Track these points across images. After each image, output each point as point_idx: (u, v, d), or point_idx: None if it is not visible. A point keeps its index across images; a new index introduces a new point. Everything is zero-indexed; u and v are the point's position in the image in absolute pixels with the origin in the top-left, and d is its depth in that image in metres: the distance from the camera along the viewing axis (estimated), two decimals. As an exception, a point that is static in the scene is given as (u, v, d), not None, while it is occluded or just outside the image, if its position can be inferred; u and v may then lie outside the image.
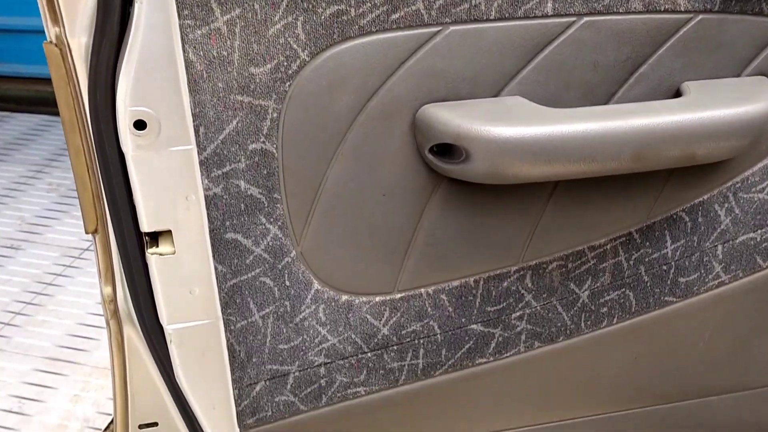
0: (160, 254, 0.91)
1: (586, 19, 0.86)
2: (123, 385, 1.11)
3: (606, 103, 0.91)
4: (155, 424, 1.16)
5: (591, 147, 0.85)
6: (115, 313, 1.06)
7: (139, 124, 0.83)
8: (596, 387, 1.11)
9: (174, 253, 0.91)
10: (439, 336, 1.01)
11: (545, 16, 0.86)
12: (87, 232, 1.04)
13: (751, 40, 0.92)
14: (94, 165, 0.91)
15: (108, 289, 1.04)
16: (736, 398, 1.18)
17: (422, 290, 0.98)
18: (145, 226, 0.90)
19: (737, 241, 1.05)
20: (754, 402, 1.19)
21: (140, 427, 1.15)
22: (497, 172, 0.86)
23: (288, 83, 0.83)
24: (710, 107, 0.88)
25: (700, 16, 0.89)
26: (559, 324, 1.05)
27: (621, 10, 0.87)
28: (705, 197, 1.01)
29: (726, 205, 1.02)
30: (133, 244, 0.94)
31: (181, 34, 0.78)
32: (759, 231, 1.05)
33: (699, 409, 1.18)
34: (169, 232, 0.90)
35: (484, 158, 0.85)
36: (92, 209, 0.97)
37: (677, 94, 0.92)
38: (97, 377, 2.04)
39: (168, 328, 0.96)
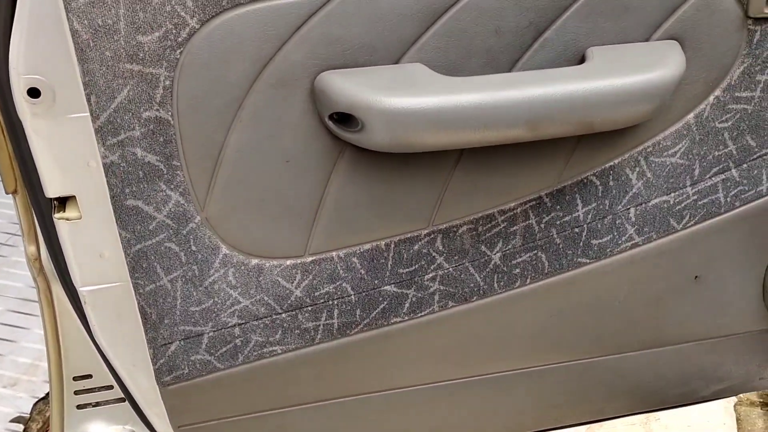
0: (67, 219, 0.93)
1: None
2: (55, 339, 1.14)
3: (509, 70, 0.91)
4: (89, 376, 1.20)
5: (486, 116, 0.85)
6: (41, 270, 1.08)
7: (33, 92, 0.84)
8: (513, 344, 1.14)
9: (80, 218, 0.92)
10: (352, 297, 1.04)
11: None
12: (7, 193, 1.06)
13: (659, 3, 0.91)
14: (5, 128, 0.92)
15: (32, 248, 1.06)
16: (652, 354, 1.21)
17: (333, 254, 1.00)
18: (49, 191, 0.91)
19: (650, 204, 1.06)
20: (670, 358, 1.22)
21: (75, 379, 1.19)
22: (393, 142, 0.87)
23: (179, 51, 0.82)
24: (611, 74, 0.87)
25: None
26: (472, 285, 1.07)
27: None
28: (616, 161, 1.01)
29: (637, 169, 1.02)
30: (47, 207, 0.96)
31: (63, 2, 0.77)
32: (672, 194, 1.05)
33: (617, 364, 1.21)
34: (74, 197, 0.92)
35: (378, 128, 0.85)
36: (10, 170, 0.98)
37: (583, 59, 0.91)
38: (58, 322, 2.07)
39: (82, 290, 0.98)
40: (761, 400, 2.30)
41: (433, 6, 0.85)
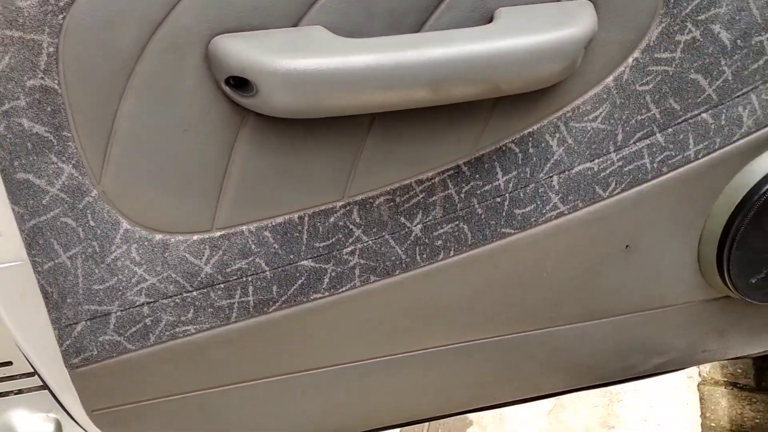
0: (-42, 195, 0.89)
1: None
2: None
3: (415, 32, 0.88)
4: (10, 363, 1.16)
5: (384, 78, 0.82)
6: None
7: None
8: (439, 319, 1.11)
9: (-29, 193, 0.89)
10: (267, 273, 1.00)
11: None
12: None
13: None
14: None
15: None
16: (586, 327, 1.18)
17: (243, 228, 0.96)
18: None
19: (573, 171, 1.03)
20: (606, 331, 1.20)
21: None
22: (289, 106, 0.83)
23: (61, 16, 0.79)
24: (516, 33, 0.84)
25: None
26: (393, 258, 1.04)
27: None
28: (534, 128, 0.98)
29: (557, 135, 0.99)
30: None
31: None
32: (596, 161, 1.03)
33: (550, 339, 1.18)
34: (-36, 172, 0.88)
35: (272, 91, 0.82)
36: None
37: (492, 20, 0.88)
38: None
39: None
40: (725, 380, 2.29)
41: (330, -35, 0.82)
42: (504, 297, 1.11)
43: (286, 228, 0.98)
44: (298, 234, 0.99)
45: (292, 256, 1.00)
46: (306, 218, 0.98)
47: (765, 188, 1.07)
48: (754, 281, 1.17)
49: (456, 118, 0.95)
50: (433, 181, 0.99)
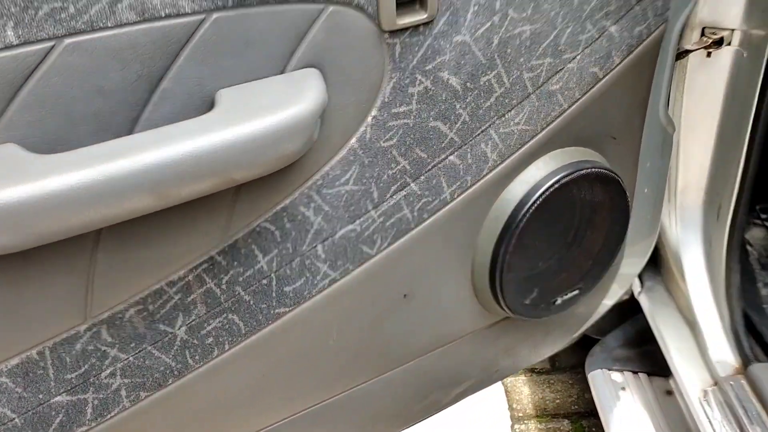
0: None
1: (67, 41, 0.71)
2: None
3: (130, 131, 0.78)
4: None
5: (97, 197, 0.71)
6: None
7: None
8: (233, 411, 1.03)
9: None
10: (17, 420, 0.86)
11: (9, 46, 0.69)
12: None
13: (285, 31, 0.83)
14: None
15: None
16: (384, 379, 1.16)
17: None
18: None
19: (337, 236, 0.99)
20: (403, 378, 1.18)
21: None
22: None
23: None
24: (241, 119, 0.78)
25: (215, 15, 0.78)
26: (162, 368, 0.93)
27: (110, 24, 0.73)
28: (287, 202, 0.93)
29: (312, 204, 0.95)
30: None
31: None
32: (357, 221, 0.99)
33: (350, 400, 1.14)
34: None
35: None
36: None
37: (213, 104, 0.81)
38: None
39: None
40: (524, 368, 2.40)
41: (8, 76, 0.70)
42: (296, 373, 1.05)
43: (26, 368, 0.84)
44: (42, 371, 0.85)
45: (41, 396, 0.87)
46: (47, 352, 0.85)
47: (520, 215, 1.10)
48: (527, 301, 1.21)
49: (197, 210, 0.87)
50: (186, 279, 0.90)
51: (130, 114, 0.77)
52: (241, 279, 0.94)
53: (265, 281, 0.96)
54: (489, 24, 0.96)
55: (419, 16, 0.90)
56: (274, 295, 0.97)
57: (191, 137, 0.75)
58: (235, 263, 0.92)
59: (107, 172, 0.71)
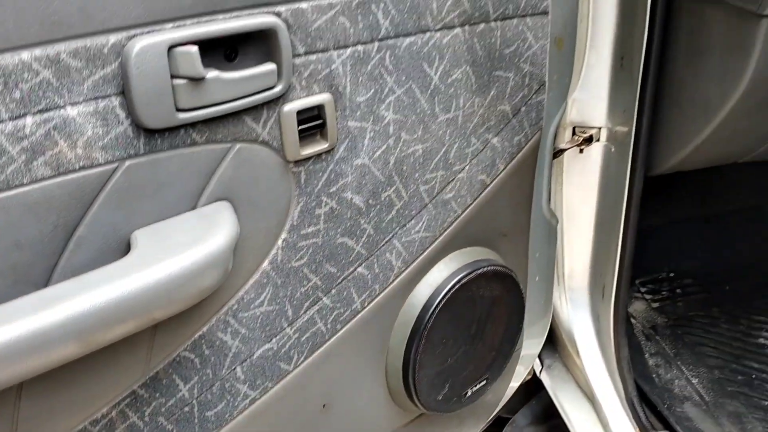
0: None
1: None
2: None
3: (47, 281, 0.79)
4: None
5: (19, 348, 0.72)
6: None
7: None
8: None
9: None
10: None
11: None
12: None
13: (195, 170, 0.87)
14: None
15: None
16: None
17: None
18: None
19: (255, 357, 1.01)
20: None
21: None
22: None
23: None
24: (158, 259, 0.80)
25: (127, 163, 0.81)
26: None
27: (26, 181, 0.75)
28: (204, 329, 0.95)
29: (229, 329, 0.97)
30: None
31: None
32: (273, 340, 1.02)
33: None
34: None
35: None
36: None
37: (129, 246, 0.84)
38: None
39: None
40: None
41: None
42: None
43: None
44: None
45: None
46: None
47: (427, 317, 1.16)
48: (440, 397, 1.26)
49: (119, 347, 0.88)
50: (110, 416, 0.90)
51: (47, 264, 0.79)
52: (163, 409, 0.94)
53: (187, 408, 0.97)
54: (385, 146, 1.04)
55: (321, 146, 0.97)
56: (196, 421, 0.98)
57: (112, 283, 0.77)
58: (157, 394, 0.93)
59: (32, 327, 0.72)
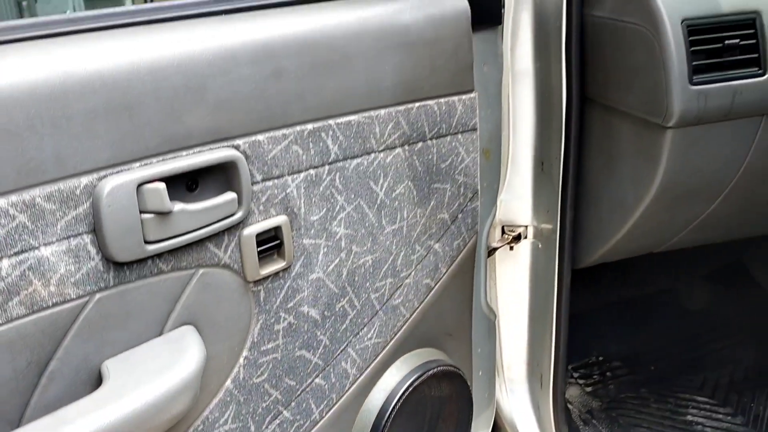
0: None
1: None
2: None
3: (20, 417, 0.80)
4: None
5: None
6: None
7: None
8: None
9: None
10: None
11: None
12: None
13: (161, 297, 0.90)
14: None
15: None
16: None
17: None
18: None
19: None
20: None
21: None
22: None
23: None
24: (131, 390, 0.82)
25: (97, 296, 0.84)
26: None
27: (1, 322, 0.77)
28: None
29: None
30: None
31: None
32: None
33: None
34: None
35: None
36: None
37: (100, 376, 0.85)
38: None
39: None
40: None
41: None
42: None
43: None
44: None
45: None
46: None
47: (382, 425, 1.20)
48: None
49: None
50: None
51: (21, 400, 0.80)
52: None
53: None
54: (338, 260, 1.10)
55: (278, 265, 1.02)
56: None
57: (88, 417, 0.78)
58: None
59: None
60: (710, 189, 1.41)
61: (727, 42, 1.24)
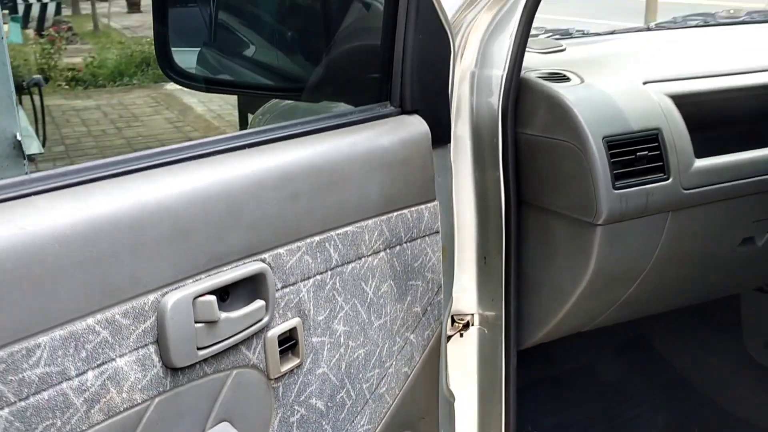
0: None
1: None
2: None
3: None
4: None
5: None
6: None
7: None
8: None
9: None
10: None
11: None
12: None
13: (205, 397, 1.00)
14: None
15: None
16: None
17: None
18: None
19: None
20: None
21: None
22: None
23: None
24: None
25: (156, 400, 0.93)
26: None
27: (84, 428, 0.85)
28: None
29: None
30: None
31: None
32: None
33: None
34: None
35: None
36: None
37: None
38: None
39: None
40: None
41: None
42: None
43: None
44: None
45: None
46: None
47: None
48: None
49: None
50: None
51: None
52: None
53: None
54: (338, 355, 1.23)
55: (294, 362, 1.14)
56: None
57: None
58: None
59: None
60: (631, 274, 1.65)
61: (638, 153, 1.51)
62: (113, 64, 9.80)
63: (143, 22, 13.73)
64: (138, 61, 9.79)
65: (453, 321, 1.76)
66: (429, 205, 1.41)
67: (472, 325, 1.76)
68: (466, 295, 1.73)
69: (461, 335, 1.77)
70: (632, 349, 2.43)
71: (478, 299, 1.73)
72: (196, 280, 0.97)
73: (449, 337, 1.70)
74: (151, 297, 0.92)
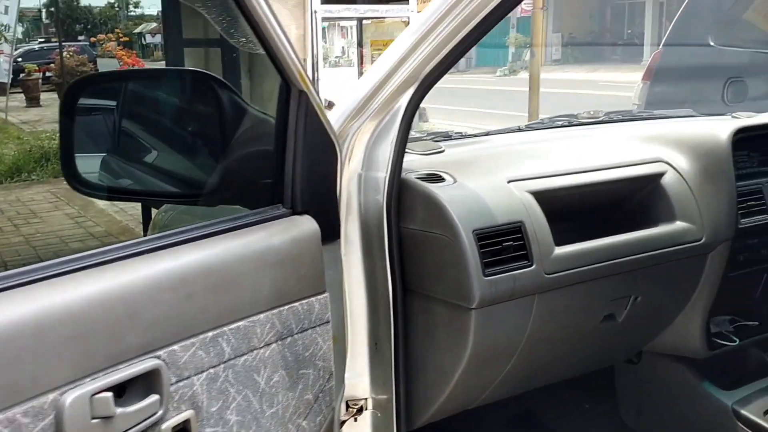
0: None
1: None
2: None
3: None
4: None
5: None
6: None
7: None
8: None
9: None
10: None
11: None
12: None
13: None
14: None
15: None
16: None
17: None
18: None
19: None
20: None
21: None
22: None
23: None
24: None
25: None
26: None
27: None
28: None
29: None
30: None
31: None
32: None
33: None
34: None
35: None
36: None
37: None
38: None
39: None
40: None
41: None
42: None
43: None
44: None
45: None
46: None
47: None
48: None
49: None
50: None
51: None
52: None
53: None
54: None
55: None
56: None
57: None
58: None
59: None
60: (506, 352, 1.82)
61: (504, 244, 1.70)
62: (11, 160, 9.61)
63: (42, 116, 13.58)
64: (37, 156, 9.65)
65: (348, 406, 1.86)
66: (319, 297, 1.53)
67: (366, 409, 1.87)
68: (360, 380, 1.84)
69: (355, 420, 1.87)
70: (519, 425, 2.57)
71: (371, 383, 1.84)
72: (94, 378, 1.05)
73: (343, 422, 1.80)
74: (51, 396, 0.99)
